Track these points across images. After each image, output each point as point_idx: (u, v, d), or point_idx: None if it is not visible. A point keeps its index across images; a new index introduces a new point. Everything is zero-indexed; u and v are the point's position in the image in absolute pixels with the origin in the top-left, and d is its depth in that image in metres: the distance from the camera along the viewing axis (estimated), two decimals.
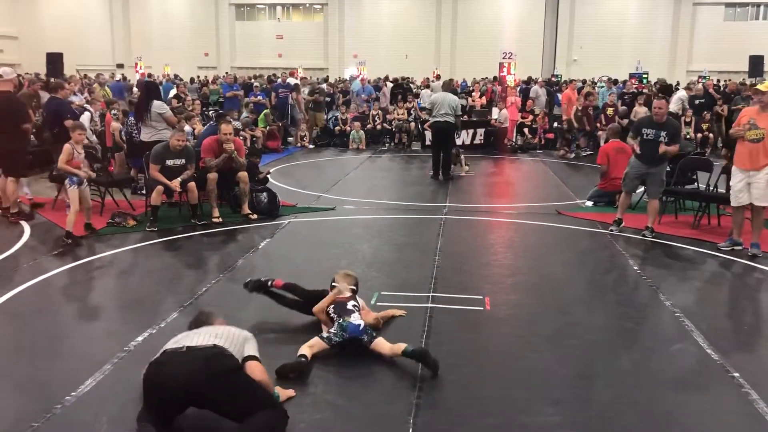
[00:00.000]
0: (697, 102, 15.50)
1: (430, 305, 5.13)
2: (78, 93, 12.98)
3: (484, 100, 19.80)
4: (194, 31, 39.46)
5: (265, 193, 8.37)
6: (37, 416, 3.41)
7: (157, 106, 8.73)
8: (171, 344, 3.37)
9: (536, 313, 5.07)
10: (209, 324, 3.64)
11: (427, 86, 20.84)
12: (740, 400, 3.74)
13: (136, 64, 28.89)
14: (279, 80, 18.27)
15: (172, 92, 17.05)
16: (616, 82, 21.09)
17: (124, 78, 22.45)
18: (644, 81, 23.31)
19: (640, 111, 14.04)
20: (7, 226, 7.61)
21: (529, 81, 20.95)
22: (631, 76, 24.17)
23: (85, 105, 11.11)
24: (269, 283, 4.76)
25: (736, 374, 4.01)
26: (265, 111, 15.38)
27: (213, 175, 7.87)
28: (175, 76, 26.06)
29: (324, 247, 6.93)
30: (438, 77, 25.05)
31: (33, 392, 3.73)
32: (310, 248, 6.98)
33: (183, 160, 7.71)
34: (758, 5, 35.15)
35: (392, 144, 16.30)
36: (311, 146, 16.15)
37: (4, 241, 6.89)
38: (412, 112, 16.81)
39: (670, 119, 7.55)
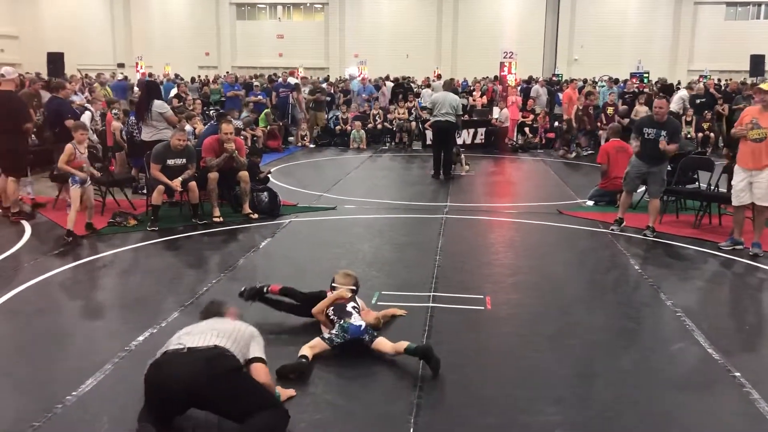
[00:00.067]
0: (698, 101, 15.48)
1: (430, 305, 5.13)
2: (79, 92, 12.97)
3: (484, 99, 19.79)
4: (195, 30, 39.47)
5: (265, 193, 8.37)
6: (38, 416, 3.41)
7: (158, 105, 8.73)
8: (175, 340, 3.35)
9: (537, 313, 5.07)
10: (221, 315, 3.65)
11: (428, 86, 20.86)
12: (741, 399, 3.73)
13: (137, 63, 28.88)
14: (280, 80, 18.27)
15: (173, 92, 17.02)
16: (617, 81, 21.08)
17: (126, 78, 22.42)
18: (645, 80, 23.29)
19: (641, 110, 14.04)
20: (8, 226, 7.61)
21: (530, 80, 20.94)
22: (632, 75, 24.16)
23: (86, 104, 11.11)
24: (265, 289, 4.74)
25: (737, 374, 4.01)
26: (265, 110, 15.38)
27: (214, 175, 7.87)
28: (176, 75, 26.06)
29: (325, 247, 6.93)
30: (439, 77, 25.06)
31: (34, 392, 3.73)
32: (310, 248, 6.98)
33: (184, 160, 7.71)
34: (759, 4, 35.11)
35: (393, 143, 16.30)
36: (312, 146, 16.15)
37: (5, 241, 6.90)
38: (412, 111, 16.81)
39: (671, 118, 7.54)
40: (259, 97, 16.22)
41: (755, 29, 33.94)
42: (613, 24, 35.61)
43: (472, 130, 15.93)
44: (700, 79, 21.96)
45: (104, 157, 9.82)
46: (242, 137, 10.27)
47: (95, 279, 5.95)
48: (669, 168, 7.81)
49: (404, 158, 14.49)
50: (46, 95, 10.46)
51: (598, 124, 14.72)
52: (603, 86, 20.22)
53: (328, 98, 18.40)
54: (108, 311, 5.15)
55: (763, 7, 35.11)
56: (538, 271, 6.22)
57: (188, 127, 9.81)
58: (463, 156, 12.28)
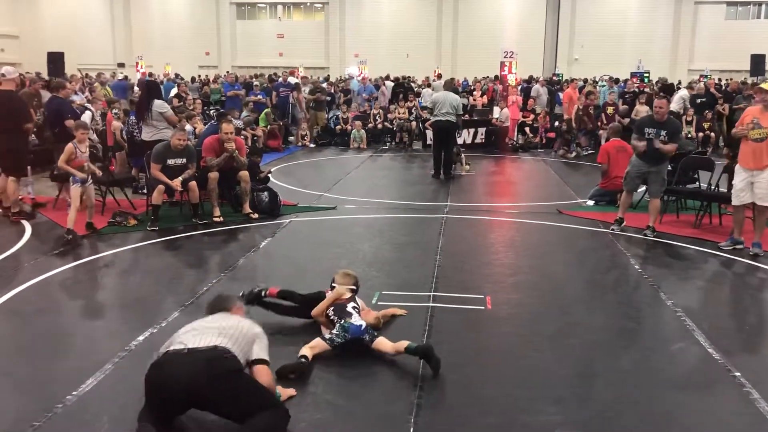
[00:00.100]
0: (698, 101, 15.48)
1: (431, 304, 5.13)
2: (79, 92, 12.98)
3: (485, 99, 19.79)
4: (195, 30, 39.47)
5: (266, 193, 8.37)
6: (38, 415, 3.42)
7: (158, 105, 8.73)
8: (177, 338, 3.35)
9: (537, 313, 5.07)
10: (227, 310, 3.65)
11: (429, 85, 20.85)
12: (742, 399, 3.73)
13: (137, 63, 28.89)
14: (280, 79, 18.26)
15: (173, 91, 17.02)
16: (617, 81, 21.08)
17: (126, 77, 22.43)
18: (645, 80, 23.29)
19: (641, 110, 14.04)
20: (9, 226, 7.62)
21: (531, 80, 20.94)
22: (633, 75, 24.16)
23: (86, 104, 11.11)
24: (263, 293, 4.73)
25: (738, 374, 4.01)
26: (266, 110, 15.38)
27: (214, 175, 7.87)
28: (176, 75, 26.06)
29: (325, 247, 6.93)
30: (439, 76, 25.06)
31: (34, 391, 3.73)
32: (311, 247, 6.98)
33: (184, 160, 7.71)
34: (760, 4, 35.10)
35: (393, 143, 16.29)
36: (312, 145, 16.15)
37: (6, 241, 6.90)
38: (413, 111, 16.81)
39: (671, 118, 7.54)
40: (259, 96, 16.21)
41: (756, 29, 33.93)
42: (613, 24, 35.60)
43: (472, 130, 15.93)
44: (701, 79, 21.94)
45: (104, 157, 9.81)
46: (242, 137, 10.26)
47: (95, 279, 5.95)
48: (669, 168, 7.81)
49: (404, 158, 14.49)
50: (46, 95, 10.45)
51: (599, 123, 14.72)
52: (604, 86, 20.21)
53: (329, 98, 18.39)
54: (108, 311, 5.15)
55: (763, 6, 35.09)
56: (538, 270, 6.22)
57: (188, 127, 9.81)
58: (463, 156, 12.28)
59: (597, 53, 34.97)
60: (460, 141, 13.83)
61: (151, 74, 23.84)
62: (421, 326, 4.69)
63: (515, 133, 16.17)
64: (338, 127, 16.50)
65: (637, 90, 17.61)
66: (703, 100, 15.62)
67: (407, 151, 15.62)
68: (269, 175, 9.29)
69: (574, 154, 14.64)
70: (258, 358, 3.38)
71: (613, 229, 7.62)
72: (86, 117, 9.38)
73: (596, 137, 14.75)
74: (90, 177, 7.27)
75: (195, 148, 8.20)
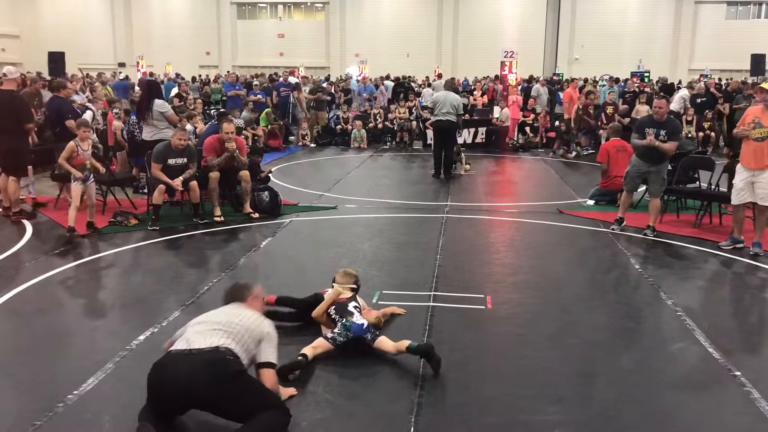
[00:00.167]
0: (698, 101, 15.48)
1: (431, 304, 5.14)
2: (80, 92, 12.98)
3: (485, 98, 19.80)
4: (196, 29, 39.49)
5: (266, 192, 8.38)
6: (39, 415, 3.42)
7: (159, 104, 8.74)
8: (187, 330, 3.35)
9: (538, 312, 5.07)
10: (241, 300, 3.62)
11: (429, 85, 20.86)
12: (742, 398, 3.74)
13: (138, 63, 28.91)
14: (280, 79, 18.26)
15: (174, 91, 17.03)
16: (617, 80, 21.07)
17: (127, 77, 22.45)
18: (646, 79, 23.29)
19: (642, 109, 14.03)
20: (9, 225, 7.62)
21: (531, 80, 20.95)
22: (633, 74, 24.17)
23: (87, 104, 11.12)
24: None
25: (738, 373, 4.01)
26: (266, 110, 15.39)
27: (215, 174, 7.88)
28: (177, 74, 26.07)
29: (325, 246, 6.93)
30: (439, 76, 25.07)
31: (35, 391, 3.73)
32: (311, 247, 6.98)
33: (185, 159, 7.71)
34: (760, 3, 35.09)
35: (394, 143, 16.30)
36: (313, 145, 16.16)
37: (7, 240, 6.91)
38: (413, 110, 16.81)
39: (671, 118, 7.54)
40: (258, 96, 16.22)
41: (756, 28, 33.94)
42: (613, 23, 35.61)
43: (472, 130, 15.93)
44: (701, 79, 21.97)
45: (105, 157, 9.82)
46: (243, 136, 10.27)
47: (96, 278, 5.96)
48: (669, 167, 7.81)
49: (405, 158, 14.49)
50: (47, 95, 10.46)
51: (599, 123, 14.72)
52: (604, 85, 20.20)
53: (329, 97, 18.39)
54: (109, 310, 5.15)
55: (764, 6, 35.09)
56: (538, 270, 6.22)
57: (189, 127, 9.82)
58: (463, 155, 12.28)
59: (597, 53, 34.97)
60: (460, 141, 13.84)
61: (151, 74, 23.83)
62: (421, 326, 4.69)
63: (515, 133, 16.17)
64: (339, 126, 16.51)
65: (637, 90, 17.61)
66: (704, 99, 15.61)
67: (408, 150, 15.63)
68: (270, 174, 9.30)
69: (574, 153, 14.64)
70: (264, 361, 3.37)
71: (613, 229, 7.62)
72: (87, 117, 9.38)
73: (596, 137, 14.75)
74: (92, 175, 7.26)
75: (196, 147, 8.20)
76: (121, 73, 25.77)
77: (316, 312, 4.44)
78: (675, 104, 14.65)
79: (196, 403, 3.20)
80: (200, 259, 6.60)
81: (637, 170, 7.48)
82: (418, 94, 18.35)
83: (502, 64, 18.02)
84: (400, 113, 16.75)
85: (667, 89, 17.78)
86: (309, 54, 38.10)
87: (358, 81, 22.09)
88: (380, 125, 16.70)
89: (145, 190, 8.61)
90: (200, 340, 3.25)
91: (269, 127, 14.99)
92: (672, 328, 4.81)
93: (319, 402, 3.63)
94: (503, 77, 18.14)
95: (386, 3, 38.53)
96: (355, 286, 4.61)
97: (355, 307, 4.40)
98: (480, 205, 9.27)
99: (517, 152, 15.31)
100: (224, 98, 17.33)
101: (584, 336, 4.61)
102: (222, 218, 7.84)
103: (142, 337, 4.41)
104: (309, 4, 39.86)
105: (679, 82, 24.50)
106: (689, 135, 14.09)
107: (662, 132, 7.16)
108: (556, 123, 16.47)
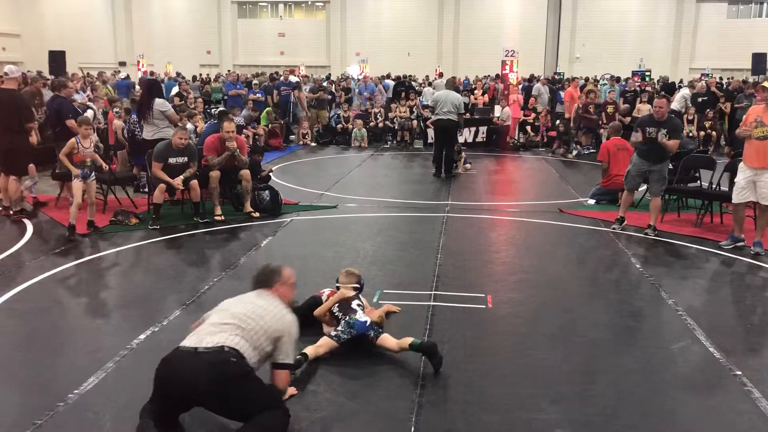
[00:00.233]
0: (699, 100, 15.48)
1: (432, 303, 5.14)
2: (81, 91, 12.99)
3: (486, 97, 19.77)
4: (196, 29, 39.50)
5: (267, 191, 8.38)
6: (41, 413, 3.42)
7: (160, 104, 8.73)
8: (205, 322, 3.36)
9: (538, 311, 5.07)
10: (268, 287, 3.51)
11: (430, 84, 20.84)
12: (743, 398, 3.74)
13: (139, 62, 28.90)
14: (281, 78, 18.26)
15: (175, 90, 17.05)
16: (618, 79, 21.06)
17: (127, 76, 22.46)
18: (647, 78, 23.28)
19: (643, 109, 14.02)
20: (10, 224, 7.63)
21: (532, 79, 20.91)
22: (634, 73, 24.17)
23: (88, 103, 11.13)
24: None
25: (739, 372, 4.01)
26: (267, 109, 15.39)
27: (215, 173, 7.88)
28: (178, 74, 26.07)
29: (326, 245, 6.93)
30: (440, 75, 25.07)
31: (36, 389, 3.74)
32: (312, 246, 6.98)
33: (185, 158, 7.72)
34: (761, 3, 35.06)
35: (394, 142, 16.29)
36: (313, 144, 16.16)
37: (7, 239, 6.91)
38: (414, 109, 16.80)
39: (671, 117, 7.54)
40: (258, 95, 16.22)
41: (757, 28, 33.92)
42: (614, 22, 35.59)
43: (473, 129, 15.93)
44: (702, 78, 21.93)
45: (106, 156, 9.81)
46: (244, 136, 10.27)
47: (97, 277, 5.96)
48: (670, 166, 7.81)
49: (406, 157, 14.49)
50: (47, 93, 10.46)
51: (599, 122, 14.71)
52: (605, 84, 20.20)
53: (330, 96, 18.38)
54: (110, 309, 5.16)
55: (765, 5, 35.05)
56: (539, 269, 6.22)
57: (190, 126, 9.81)
58: (464, 154, 12.28)
59: (598, 52, 34.97)
60: (461, 140, 13.83)
61: (152, 73, 23.86)
62: (422, 325, 4.70)
63: (516, 132, 16.16)
64: (339, 125, 16.50)
65: (638, 89, 17.60)
66: (705, 98, 15.61)
67: (408, 149, 15.62)
68: (270, 173, 9.30)
69: (574, 153, 14.63)
70: (281, 362, 3.34)
71: (614, 228, 7.62)
72: (88, 116, 9.39)
73: (597, 136, 14.74)
74: (93, 173, 7.25)
75: (196, 146, 8.21)
76: (120, 72, 25.77)
77: (319, 311, 4.46)
78: (676, 103, 14.65)
79: (198, 401, 3.20)
80: (201, 258, 6.60)
81: (638, 169, 7.47)
82: (419, 93, 18.33)
83: (503, 62, 17.97)
84: (400, 112, 16.75)
85: (668, 88, 17.77)
86: (310, 53, 38.10)
87: (358, 80, 22.08)
88: (381, 124, 16.70)
89: (146, 189, 8.62)
90: (208, 338, 3.22)
91: (270, 126, 14.99)
92: (673, 327, 4.81)
93: (320, 401, 3.63)
94: (504, 76, 18.08)
95: (387, 2, 38.52)
96: (357, 285, 4.62)
97: (359, 305, 4.41)
98: (481, 204, 9.26)
99: (517, 151, 15.30)
100: (225, 97, 17.34)
101: (585, 335, 4.61)
102: (222, 217, 7.84)
103: (142, 336, 4.42)
104: (310, 3, 39.85)
105: (680, 81, 24.49)
106: (690, 134, 14.08)
107: (663, 131, 7.16)
108: (557, 122, 16.46)
